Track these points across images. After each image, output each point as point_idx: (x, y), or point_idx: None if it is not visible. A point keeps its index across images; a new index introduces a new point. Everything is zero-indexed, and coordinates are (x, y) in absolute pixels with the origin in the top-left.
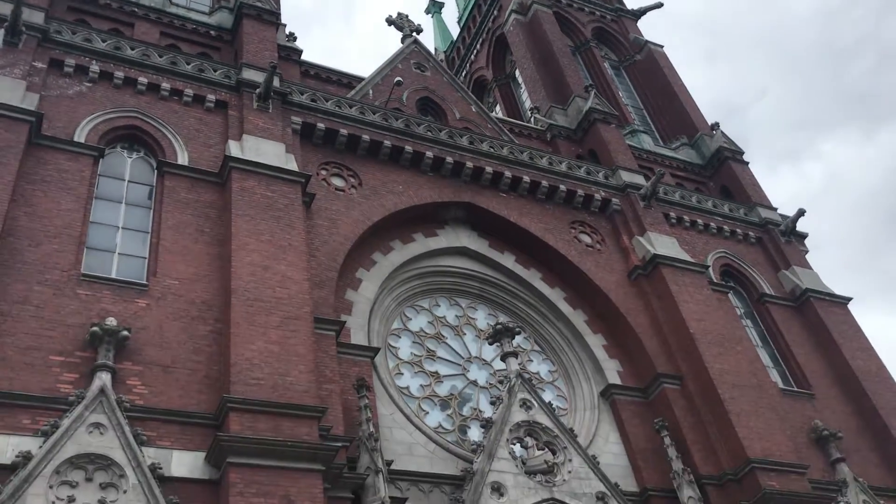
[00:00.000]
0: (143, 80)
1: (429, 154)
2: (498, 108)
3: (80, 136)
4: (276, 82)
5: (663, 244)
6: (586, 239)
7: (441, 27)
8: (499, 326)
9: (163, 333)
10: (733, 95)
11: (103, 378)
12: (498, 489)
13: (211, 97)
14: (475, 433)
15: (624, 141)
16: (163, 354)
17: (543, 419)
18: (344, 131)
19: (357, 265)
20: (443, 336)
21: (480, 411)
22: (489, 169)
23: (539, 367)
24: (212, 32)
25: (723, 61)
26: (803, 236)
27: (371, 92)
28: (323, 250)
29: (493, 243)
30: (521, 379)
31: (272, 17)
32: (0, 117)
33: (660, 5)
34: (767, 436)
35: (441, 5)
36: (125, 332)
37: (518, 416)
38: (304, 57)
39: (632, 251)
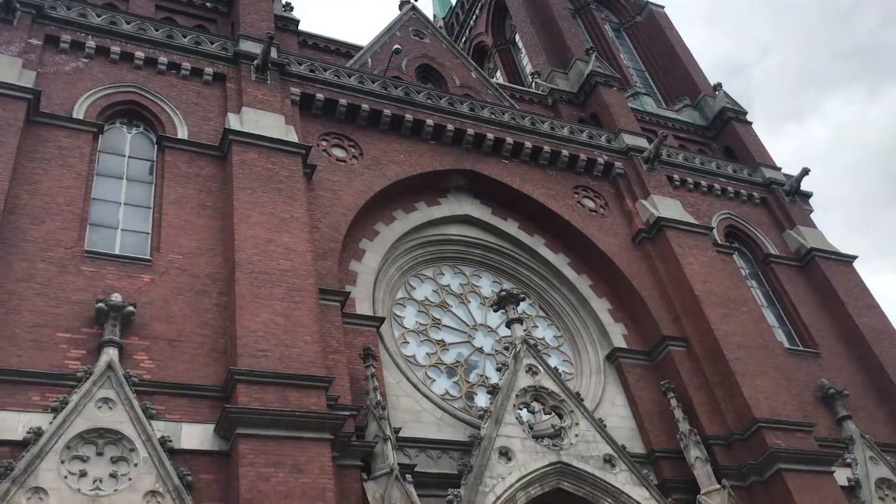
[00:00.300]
0: (139, 54)
1: (429, 122)
2: (498, 73)
3: (78, 112)
4: (273, 53)
5: (667, 207)
6: (590, 203)
7: None
8: (503, 293)
9: (168, 308)
10: (735, 55)
11: (110, 353)
12: (506, 454)
13: (209, 70)
14: (482, 399)
15: (626, 104)
16: (169, 329)
17: (549, 384)
18: (343, 101)
19: (360, 236)
20: (448, 304)
21: (487, 378)
22: (490, 135)
23: (544, 332)
24: (207, 4)
25: (724, 20)
26: (808, 196)
27: (370, 61)
28: (325, 221)
29: (495, 210)
30: (527, 345)
31: None
32: None
33: None
34: (773, 395)
35: None
36: (130, 308)
37: (524, 381)
38: (301, 27)
39: (636, 214)
